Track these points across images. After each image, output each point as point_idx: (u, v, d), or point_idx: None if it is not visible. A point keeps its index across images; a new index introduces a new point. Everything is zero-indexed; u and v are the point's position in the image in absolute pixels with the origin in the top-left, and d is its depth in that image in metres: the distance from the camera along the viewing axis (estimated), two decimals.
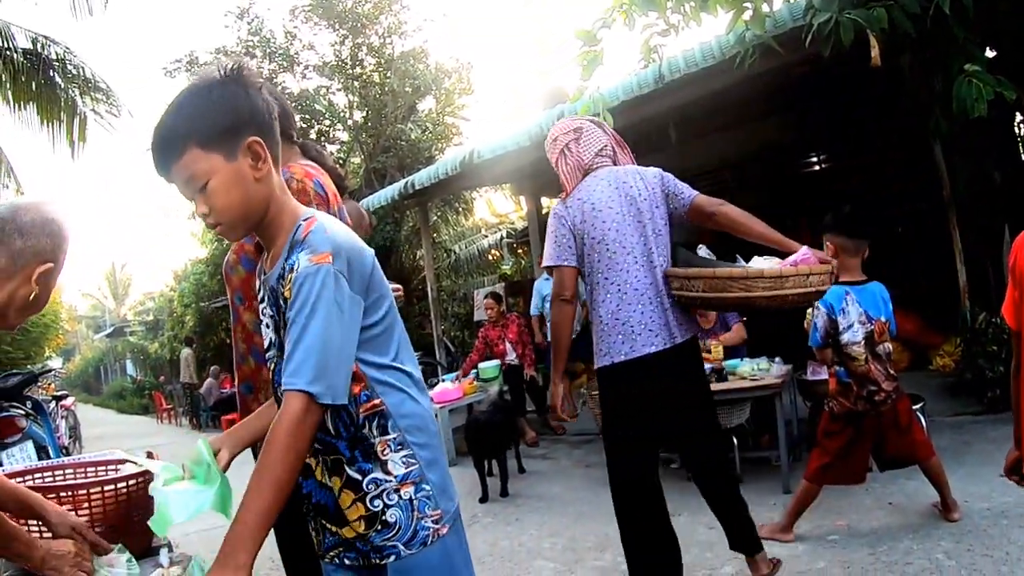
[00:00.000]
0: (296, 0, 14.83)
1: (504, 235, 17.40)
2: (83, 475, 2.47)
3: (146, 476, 2.23)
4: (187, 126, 1.44)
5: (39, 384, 7.85)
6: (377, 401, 1.51)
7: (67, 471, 2.53)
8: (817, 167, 10.27)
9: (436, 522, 1.52)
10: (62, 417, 9.07)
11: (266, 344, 1.64)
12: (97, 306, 54.66)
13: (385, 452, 1.50)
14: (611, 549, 4.18)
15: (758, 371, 5.09)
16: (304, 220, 1.50)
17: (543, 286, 8.76)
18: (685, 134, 8.48)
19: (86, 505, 2.04)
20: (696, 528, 4.29)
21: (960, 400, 6.10)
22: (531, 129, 7.30)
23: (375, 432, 1.50)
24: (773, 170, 10.08)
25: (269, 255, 1.59)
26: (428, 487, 1.52)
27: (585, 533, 4.54)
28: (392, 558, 1.50)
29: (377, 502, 1.50)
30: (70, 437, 9.24)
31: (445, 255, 17.14)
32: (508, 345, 8.07)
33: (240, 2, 14.84)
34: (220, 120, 1.44)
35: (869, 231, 3.75)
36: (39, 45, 8.07)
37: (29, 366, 9.96)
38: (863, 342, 3.63)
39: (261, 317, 1.64)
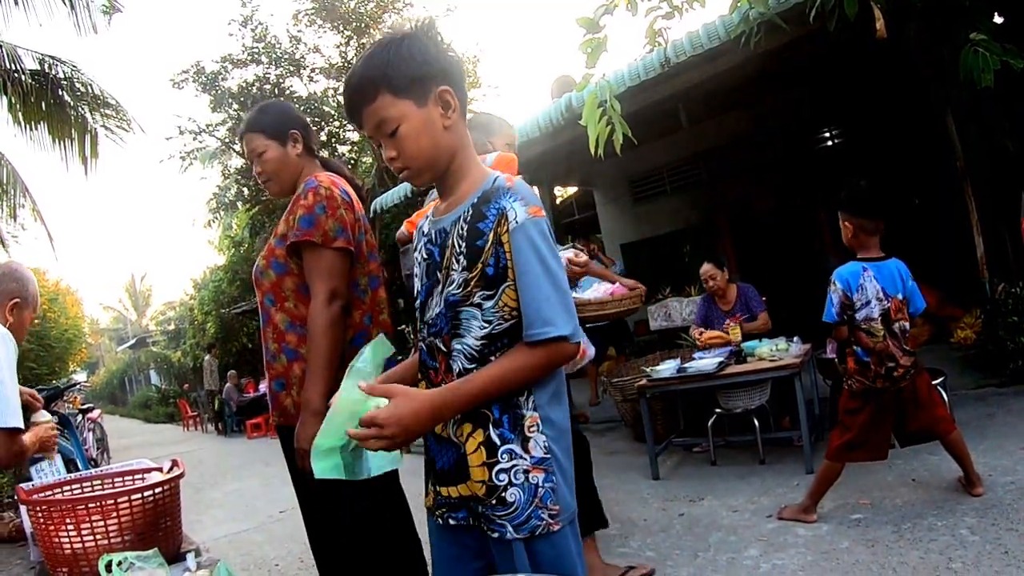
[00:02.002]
0: (298, 4, 14.85)
1: None
2: (111, 485, 2.53)
3: (172, 483, 2.27)
4: (380, 72, 1.50)
5: (65, 398, 7.94)
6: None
7: (96, 482, 2.58)
8: (830, 142, 10.19)
9: (552, 517, 1.49)
10: (89, 429, 9.18)
11: (416, 290, 1.68)
12: (119, 318, 55.33)
13: (531, 429, 1.50)
14: (635, 535, 4.19)
15: (777, 352, 5.07)
16: (503, 175, 1.56)
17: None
18: (695, 116, 8.43)
19: (115, 514, 2.08)
20: (719, 512, 4.29)
21: (982, 373, 6.04)
22: (540, 119, 7.30)
23: (529, 406, 1.51)
24: (787, 147, 10.01)
25: (445, 203, 1.63)
26: (555, 480, 1.50)
27: (610, 520, 4.51)
28: (496, 535, 1.50)
29: (503, 476, 1.48)
30: (98, 449, 9.35)
31: None
32: None
33: (243, 10, 14.87)
34: (412, 68, 1.50)
35: (884, 208, 3.71)
36: (46, 65, 8.15)
37: (54, 381, 10.07)
38: (879, 319, 3.62)
39: (415, 266, 1.69)
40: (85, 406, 10.62)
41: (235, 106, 15.36)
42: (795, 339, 5.25)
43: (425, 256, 1.65)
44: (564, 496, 1.52)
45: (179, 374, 26.93)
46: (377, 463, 1.55)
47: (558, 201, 13.63)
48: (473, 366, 1.51)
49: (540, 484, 1.49)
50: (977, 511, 3.54)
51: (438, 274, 1.58)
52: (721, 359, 5.11)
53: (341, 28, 14.82)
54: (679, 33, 6.06)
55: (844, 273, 3.68)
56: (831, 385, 5.41)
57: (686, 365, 5.30)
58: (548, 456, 1.50)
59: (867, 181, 3.86)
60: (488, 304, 1.50)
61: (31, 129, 8.19)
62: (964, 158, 5.98)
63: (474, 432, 1.51)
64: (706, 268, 5.84)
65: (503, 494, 1.48)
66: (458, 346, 1.53)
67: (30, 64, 8.08)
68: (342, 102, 1.60)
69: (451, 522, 1.60)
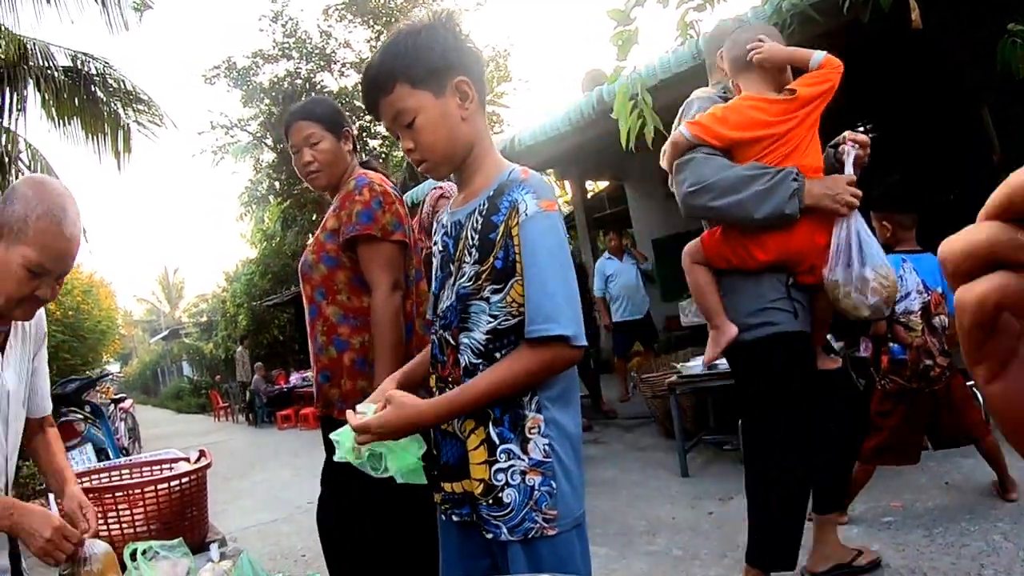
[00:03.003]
0: (329, 0, 14.91)
1: None
2: (139, 475, 2.55)
3: (199, 473, 2.28)
4: (398, 63, 1.50)
5: (97, 389, 8.08)
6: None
7: (124, 471, 2.61)
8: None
9: (547, 521, 1.45)
10: (121, 419, 9.31)
11: (433, 278, 1.68)
12: (152, 310, 56.22)
13: (532, 431, 1.47)
14: (663, 533, 4.15)
15: None
16: (518, 167, 1.54)
17: (606, 265, 8.73)
18: None
19: (141, 503, 2.10)
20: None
21: None
22: (571, 113, 7.23)
23: (531, 407, 1.48)
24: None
25: (463, 195, 1.62)
26: (553, 484, 1.46)
27: (637, 518, 4.51)
28: (490, 535, 1.48)
29: (500, 476, 1.46)
30: (129, 438, 9.48)
31: None
32: None
33: (273, 6, 14.98)
34: (430, 59, 1.50)
35: (918, 203, 3.65)
36: (79, 62, 8.27)
37: (88, 372, 10.24)
38: (920, 312, 3.54)
39: (433, 257, 1.69)
40: (117, 396, 10.78)
41: (266, 101, 15.49)
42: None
43: (440, 248, 1.64)
44: (567, 501, 1.47)
45: (211, 365, 27.27)
46: (400, 467, 1.53)
47: (589, 195, 13.57)
48: (479, 361, 1.49)
49: (536, 487, 1.45)
50: (1011, 517, 3.47)
51: (451, 266, 1.58)
52: None
53: (371, 23, 14.88)
54: (711, 25, 5.97)
55: None
56: (864, 384, 5.31)
57: (717, 362, 5.23)
58: (548, 459, 1.46)
59: (899, 175, 3.75)
60: (496, 298, 1.48)
61: (64, 124, 8.31)
62: (1001, 151, 5.85)
63: (476, 429, 1.49)
64: None
65: (499, 494, 1.46)
66: (466, 340, 1.52)
67: (63, 61, 8.20)
68: (364, 85, 1.58)
69: (455, 518, 1.59)
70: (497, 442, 1.47)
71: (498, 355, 1.48)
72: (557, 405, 1.49)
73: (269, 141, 16.41)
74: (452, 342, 1.55)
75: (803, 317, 2.63)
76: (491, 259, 1.48)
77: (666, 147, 2.79)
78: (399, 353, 2.32)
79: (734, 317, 2.71)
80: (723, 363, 5.10)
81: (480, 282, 1.49)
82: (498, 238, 1.47)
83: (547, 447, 1.46)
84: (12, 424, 1.88)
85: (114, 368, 18.12)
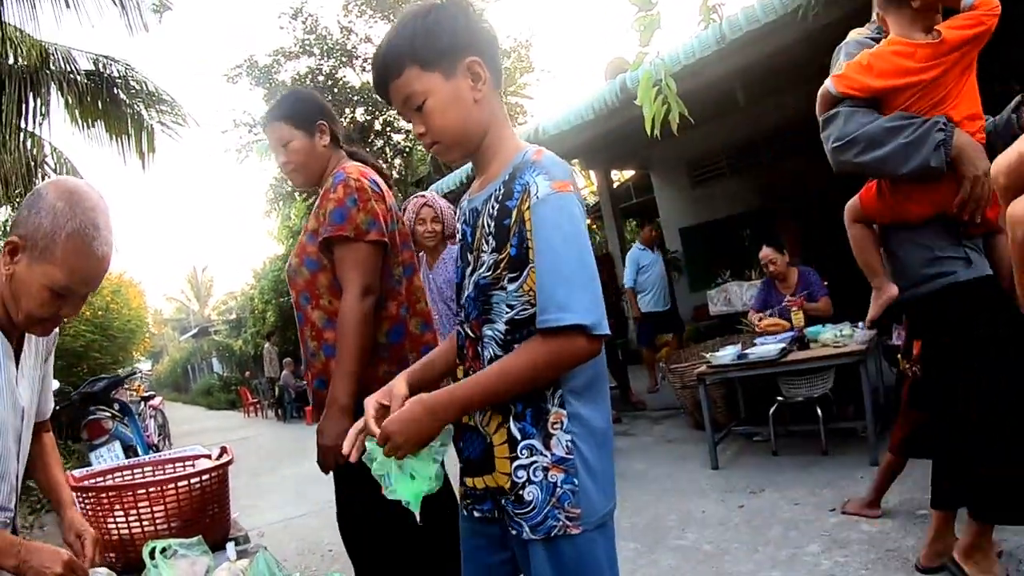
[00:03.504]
0: None
1: None
2: (162, 472, 2.54)
3: (220, 470, 2.26)
4: (406, 45, 1.45)
5: (127, 386, 8.15)
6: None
7: (146, 468, 2.60)
8: None
9: (570, 519, 1.38)
10: (151, 416, 9.40)
11: (455, 268, 1.63)
12: (182, 309, 56.95)
13: (555, 426, 1.40)
14: (693, 527, 4.08)
15: (841, 337, 4.89)
16: (533, 148, 1.47)
17: (640, 256, 8.66)
18: (754, 95, 8.19)
19: (161, 501, 2.08)
20: (780, 505, 4.16)
21: None
22: (594, 102, 7.16)
23: (554, 400, 1.41)
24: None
25: (481, 179, 1.56)
26: (577, 481, 1.39)
27: (667, 511, 4.45)
28: (514, 532, 1.43)
29: (522, 473, 1.41)
30: (159, 435, 9.57)
31: None
32: None
33: (292, 3, 14.99)
34: (440, 39, 1.44)
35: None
36: (100, 65, 8.34)
37: (118, 370, 10.35)
38: None
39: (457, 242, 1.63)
40: (147, 394, 10.90)
41: None
42: (860, 324, 5.05)
43: (460, 238, 1.59)
44: (590, 499, 1.40)
45: (240, 362, 27.53)
46: (401, 489, 1.46)
47: (615, 184, 13.47)
48: (502, 353, 1.42)
49: (559, 484, 1.38)
50: None
51: (469, 256, 1.52)
52: (783, 345, 4.96)
53: (391, 17, 14.83)
54: (734, 8, 5.86)
55: None
56: (897, 373, 5.19)
57: (747, 351, 5.16)
58: (571, 456, 1.39)
59: None
60: (512, 287, 1.41)
61: (88, 127, 8.39)
62: None
63: (501, 424, 1.43)
64: (765, 252, 5.68)
65: (521, 491, 1.40)
66: (489, 332, 1.45)
67: (84, 65, 8.27)
68: (374, 68, 1.52)
69: (476, 514, 1.54)
70: (519, 437, 1.41)
71: (516, 347, 1.40)
72: (582, 399, 1.42)
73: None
74: (472, 334, 1.49)
75: (979, 262, 2.51)
76: (507, 247, 1.41)
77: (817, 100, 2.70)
78: (363, 362, 2.24)
79: (905, 272, 2.64)
80: (753, 351, 5.04)
81: (499, 271, 1.42)
82: (512, 224, 1.40)
83: (570, 443, 1.39)
84: (24, 440, 1.84)
85: (145, 366, 18.36)
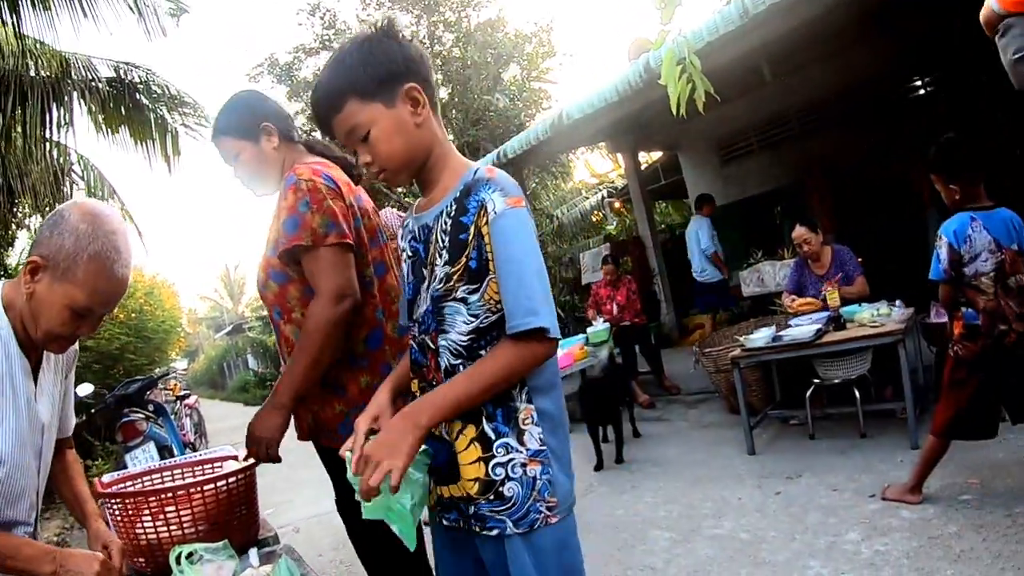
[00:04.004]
0: None
1: (605, 195, 17.17)
2: (190, 474, 2.53)
3: (247, 472, 2.24)
4: (345, 79, 1.49)
5: (163, 386, 8.23)
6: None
7: (175, 472, 2.60)
8: (924, 90, 9.57)
9: (549, 509, 1.48)
10: (187, 415, 9.52)
11: (404, 284, 1.67)
12: (215, 307, 57.70)
13: (526, 422, 1.49)
14: (729, 515, 4.01)
15: (878, 317, 4.78)
16: (484, 167, 1.54)
17: (704, 224, 9.10)
18: (780, 70, 8.05)
19: (188, 505, 2.07)
20: (818, 491, 4.07)
21: None
22: (618, 84, 7.03)
23: (522, 398, 1.49)
24: (878, 98, 9.47)
25: (427, 197, 1.62)
26: (551, 472, 1.49)
27: (703, 499, 4.38)
28: (495, 532, 1.49)
29: (500, 471, 1.47)
30: (195, 433, 9.68)
31: (547, 221, 17.02)
32: (615, 306, 7.95)
33: None
34: (377, 70, 1.48)
35: (976, 163, 3.37)
36: (121, 72, 8.40)
37: (153, 370, 10.48)
38: (992, 273, 3.24)
39: (402, 263, 1.68)
40: (183, 392, 11.01)
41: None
42: (897, 303, 4.93)
43: (411, 254, 1.64)
44: (563, 487, 1.51)
45: (275, 357, 27.77)
46: (371, 510, 1.44)
47: (643, 167, 13.33)
48: (459, 362, 1.50)
49: (538, 477, 1.48)
50: None
51: (423, 271, 1.58)
52: (819, 326, 4.85)
53: (410, 8, 14.77)
54: None
55: (951, 225, 3.34)
56: (936, 353, 5.06)
57: (781, 333, 5.07)
58: (544, 448, 1.49)
59: (956, 133, 3.46)
60: (473, 298, 1.48)
61: (113, 133, 8.45)
62: None
63: (464, 428, 1.49)
64: (799, 231, 5.55)
65: (500, 488, 1.47)
66: (443, 342, 1.52)
67: (106, 72, 8.32)
68: (315, 107, 1.56)
69: (444, 523, 1.60)
70: (493, 437, 1.48)
71: (482, 353, 1.48)
72: (544, 394, 1.52)
73: (317, 134, 16.55)
74: (432, 345, 1.55)
75: None
76: (463, 259, 1.48)
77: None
78: (319, 368, 2.17)
79: None
80: (788, 334, 4.94)
81: (452, 283, 1.50)
82: (469, 238, 1.47)
83: (541, 436, 1.49)
84: (44, 456, 1.85)
85: (180, 365, 18.55)
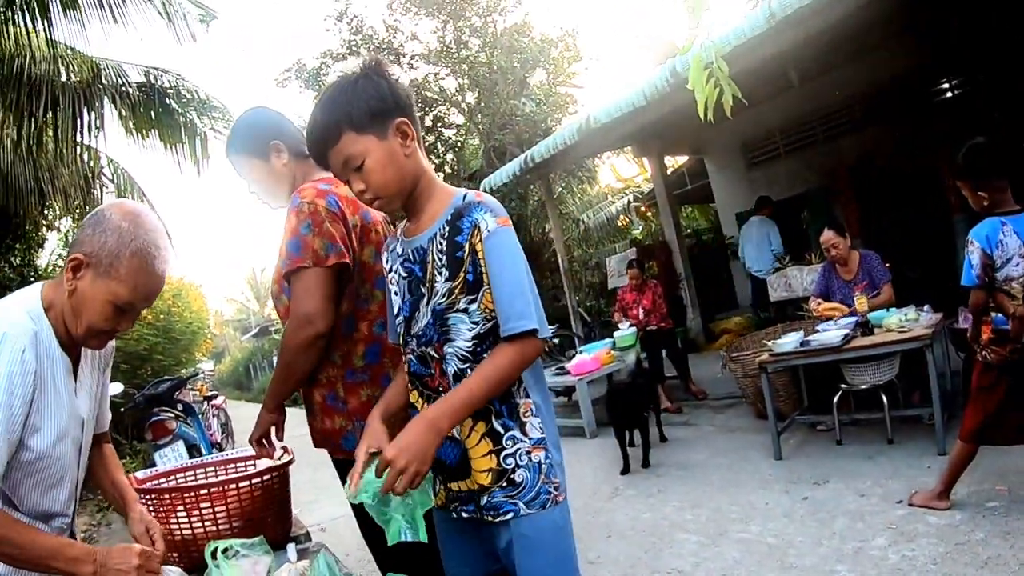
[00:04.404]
0: None
1: (631, 199, 17.12)
2: (224, 472, 2.57)
3: (281, 470, 2.28)
4: (341, 113, 1.63)
5: (190, 387, 8.30)
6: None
7: (208, 469, 2.64)
8: (951, 92, 9.47)
9: (555, 489, 1.68)
10: (214, 415, 9.57)
11: (396, 307, 1.80)
12: (242, 310, 58.00)
13: (526, 414, 1.67)
14: (756, 520, 4.01)
15: (906, 322, 4.74)
16: (472, 192, 1.71)
17: (772, 232, 9.33)
18: (807, 73, 8.00)
19: (223, 501, 2.11)
20: (845, 496, 4.06)
21: None
22: (645, 88, 7.04)
23: (521, 394, 1.68)
24: (906, 100, 9.38)
25: (416, 223, 1.76)
26: (552, 456, 1.69)
27: (730, 503, 4.37)
28: (510, 515, 1.65)
29: (510, 460, 1.65)
30: (222, 433, 9.73)
31: (574, 225, 17.01)
32: (641, 310, 7.94)
33: (336, 5, 15.06)
34: (370, 105, 1.62)
35: (1002, 167, 3.33)
36: (151, 77, 8.53)
37: (181, 371, 10.58)
38: (1023, 278, 3.21)
39: (389, 284, 1.83)
40: (210, 393, 11.09)
41: None
42: (926, 308, 4.89)
43: (405, 274, 1.77)
44: (563, 470, 1.72)
45: None
46: (395, 529, 1.62)
47: (669, 171, 13.29)
48: (466, 366, 1.66)
49: (543, 461, 1.67)
50: None
51: (422, 288, 1.72)
52: (847, 331, 4.83)
53: (436, 13, 14.82)
54: None
55: (982, 230, 3.29)
56: (964, 358, 5.01)
57: (809, 338, 5.05)
58: (543, 435, 1.69)
59: (984, 137, 3.42)
60: (473, 307, 1.65)
61: (142, 137, 8.57)
62: None
63: (476, 425, 1.66)
64: (827, 236, 5.52)
65: (512, 476, 1.65)
66: (450, 350, 1.68)
67: (136, 77, 8.45)
68: (310, 140, 1.69)
69: (463, 515, 1.74)
70: (501, 431, 1.66)
71: (484, 355, 1.65)
72: (536, 389, 1.71)
73: None
74: (436, 355, 1.70)
75: None
76: (462, 274, 1.64)
77: None
78: (289, 384, 2.30)
79: None
80: (816, 338, 4.92)
81: (454, 296, 1.66)
82: (465, 255, 1.64)
83: (540, 425, 1.69)
84: (84, 449, 1.89)
85: (207, 366, 18.67)
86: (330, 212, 2.21)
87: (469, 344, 1.65)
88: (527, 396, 1.68)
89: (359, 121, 1.62)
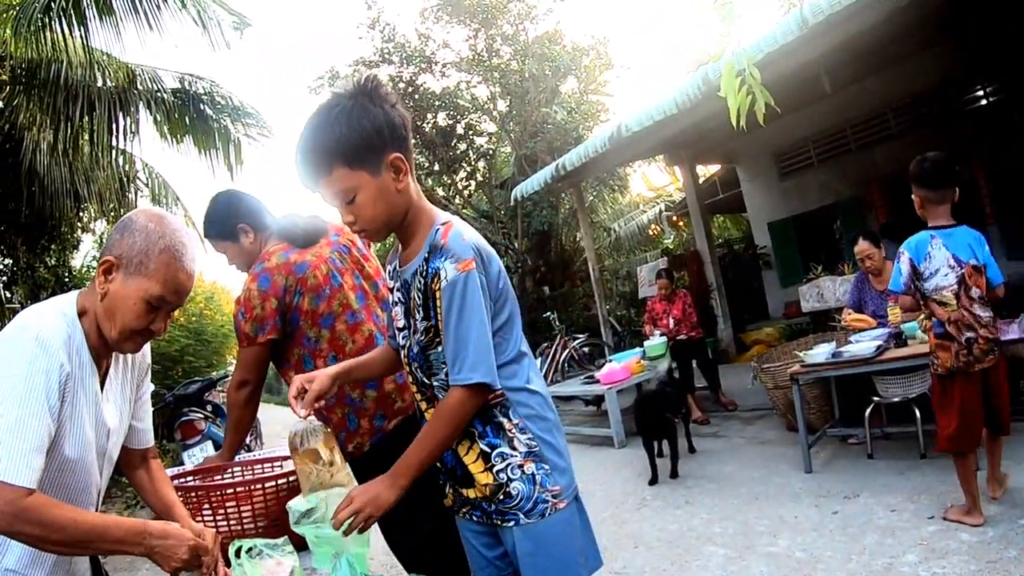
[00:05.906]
0: (424, 2, 14.97)
1: (663, 208, 17.05)
2: (251, 472, 2.60)
3: None
4: (333, 146, 1.60)
5: (220, 388, 8.38)
6: (499, 392, 1.68)
7: (235, 469, 2.67)
8: (986, 100, 9.31)
9: (555, 496, 1.70)
10: None
11: (399, 325, 1.85)
12: None
13: (511, 431, 1.71)
14: (785, 534, 3.94)
15: None
16: (441, 224, 1.69)
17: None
18: (839, 81, 7.90)
19: (248, 501, 2.11)
20: (875, 511, 3.98)
21: None
22: (677, 96, 6.99)
23: (500, 414, 1.71)
24: (940, 107, 9.24)
25: (405, 252, 1.78)
26: (548, 465, 1.71)
27: (758, 516, 4.31)
28: (512, 523, 1.71)
29: (503, 475, 1.70)
30: (251, 435, 9.80)
31: (605, 234, 16.96)
32: (671, 320, 7.88)
33: (369, 13, 15.14)
34: (364, 140, 1.59)
35: (951, 180, 3.58)
36: (186, 83, 8.71)
37: (211, 373, 10.69)
38: (956, 286, 3.46)
39: (391, 303, 1.89)
40: None
41: None
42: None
43: (400, 298, 1.82)
44: (564, 475, 1.74)
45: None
46: (322, 554, 1.77)
47: (701, 180, 13.21)
48: None
49: (535, 472, 1.70)
50: None
51: (410, 319, 1.78)
52: (879, 343, 4.74)
53: (468, 21, 14.85)
54: None
55: (912, 242, 3.61)
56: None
57: (841, 349, 4.97)
58: (535, 446, 1.71)
59: (937, 154, 3.62)
60: (441, 348, 1.68)
61: (177, 142, 8.76)
62: None
63: (468, 446, 1.73)
64: (862, 246, 5.45)
65: (508, 488, 1.70)
66: (436, 383, 1.75)
67: (171, 83, 8.62)
68: (297, 166, 1.68)
69: (474, 518, 1.82)
70: (489, 450, 1.71)
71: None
72: (522, 396, 1.73)
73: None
74: (427, 383, 1.78)
75: None
76: (433, 316, 1.68)
77: None
78: (238, 432, 2.65)
79: None
80: (848, 350, 4.85)
81: (431, 336, 1.72)
82: (432, 301, 1.67)
83: (530, 439, 1.71)
84: (109, 457, 1.89)
85: None
86: (261, 293, 2.54)
87: (444, 379, 1.70)
88: (507, 415, 1.71)
89: (351, 156, 1.60)
